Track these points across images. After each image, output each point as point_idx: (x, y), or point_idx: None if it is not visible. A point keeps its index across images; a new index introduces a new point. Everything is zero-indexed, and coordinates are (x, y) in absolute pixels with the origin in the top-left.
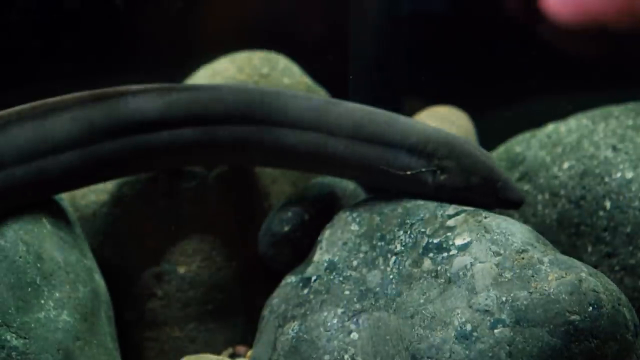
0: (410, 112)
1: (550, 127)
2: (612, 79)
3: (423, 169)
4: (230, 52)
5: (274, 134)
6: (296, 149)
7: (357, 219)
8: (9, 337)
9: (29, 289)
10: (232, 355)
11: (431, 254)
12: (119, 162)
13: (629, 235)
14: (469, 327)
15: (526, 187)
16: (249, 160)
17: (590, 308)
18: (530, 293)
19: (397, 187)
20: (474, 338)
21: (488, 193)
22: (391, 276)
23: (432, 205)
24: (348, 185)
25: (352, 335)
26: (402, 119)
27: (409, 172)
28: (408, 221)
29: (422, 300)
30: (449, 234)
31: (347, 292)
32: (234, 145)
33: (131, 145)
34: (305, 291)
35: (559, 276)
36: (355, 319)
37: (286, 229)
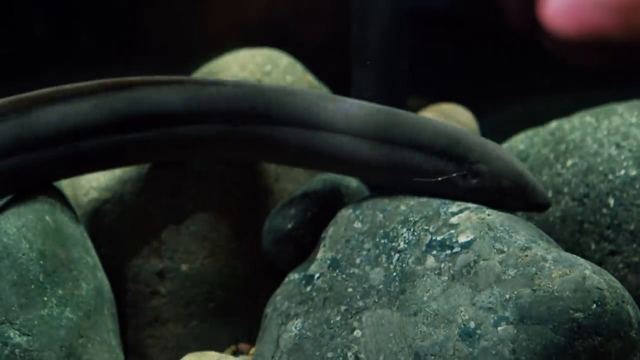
0: (414, 110)
1: (553, 125)
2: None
3: (454, 174)
4: (233, 50)
5: (301, 134)
6: (322, 151)
7: (360, 217)
8: (12, 334)
9: (32, 286)
10: (235, 353)
11: (434, 252)
12: (136, 151)
13: (632, 233)
14: (472, 324)
15: None
16: (267, 158)
17: (594, 305)
18: (534, 290)
19: (425, 190)
20: (477, 336)
21: (518, 196)
22: (394, 273)
23: (435, 202)
24: (351, 183)
25: (355, 333)
26: (432, 121)
27: (439, 179)
28: (411, 218)
29: (425, 298)
30: (452, 231)
31: (350, 290)
32: (256, 143)
33: (149, 136)
34: (308, 289)
35: (563, 273)
36: (358, 317)
37: (289, 226)
